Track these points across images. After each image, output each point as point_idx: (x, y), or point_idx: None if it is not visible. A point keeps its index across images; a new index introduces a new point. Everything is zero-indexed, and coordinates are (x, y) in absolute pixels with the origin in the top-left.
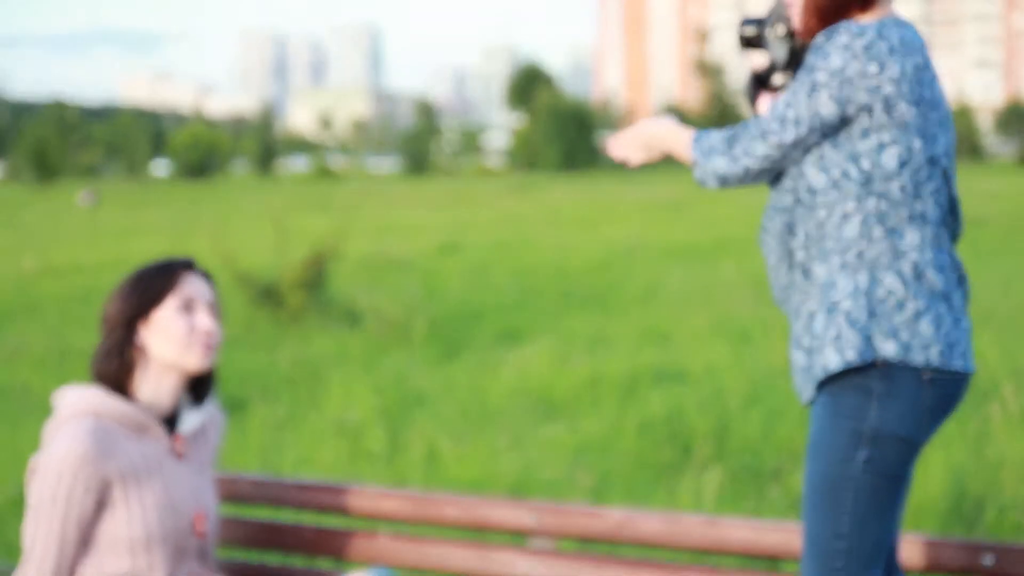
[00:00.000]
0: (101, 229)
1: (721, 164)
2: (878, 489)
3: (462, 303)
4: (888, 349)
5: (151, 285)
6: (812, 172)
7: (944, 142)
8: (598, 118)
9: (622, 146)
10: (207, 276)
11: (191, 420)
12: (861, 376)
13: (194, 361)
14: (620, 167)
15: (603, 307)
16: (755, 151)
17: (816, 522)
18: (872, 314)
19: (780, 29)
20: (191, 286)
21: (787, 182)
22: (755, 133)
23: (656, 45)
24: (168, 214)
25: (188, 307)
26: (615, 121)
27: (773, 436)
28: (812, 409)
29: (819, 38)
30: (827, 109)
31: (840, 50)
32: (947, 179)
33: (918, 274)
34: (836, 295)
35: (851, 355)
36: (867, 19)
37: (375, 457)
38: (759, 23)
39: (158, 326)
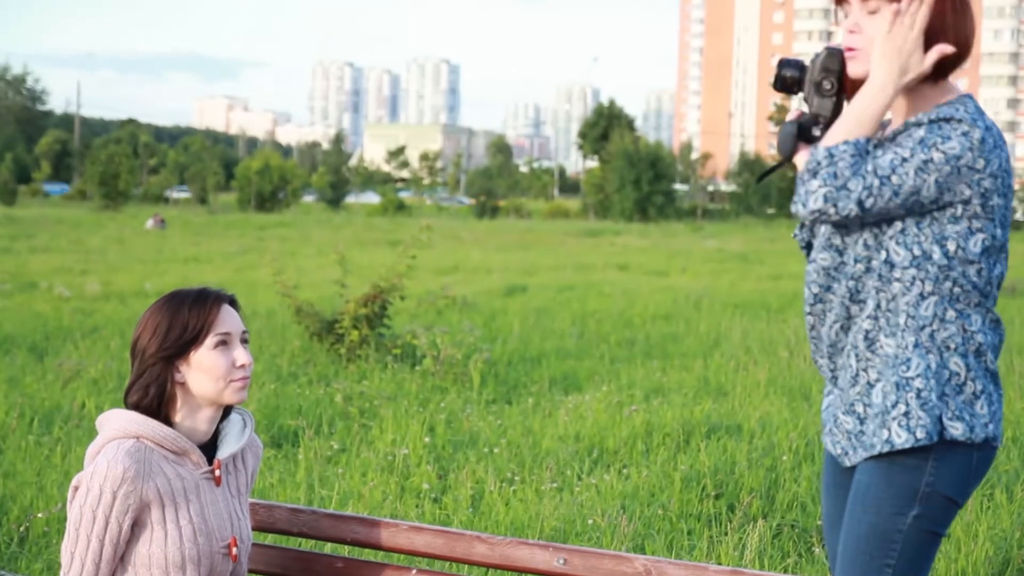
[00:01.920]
0: (166, 255)
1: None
2: (922, 545)
3: (523, 346)
4: (953, 430)
5: (188, 324)
6: (893, 246)
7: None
8: (674, 165)
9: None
10: (235, 302)
11: (229, 446)
12: None
13: (233, 396)
14: (694, 217)
15: (664, 357)
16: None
17: (856, 574)
18: (941, 395)
19: (828, 83)
20: (226, 321)
21: (859, 250)
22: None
23: (736, 94)
24: (235, 243)
25: (225, 343)
26: (692, 168)
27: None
28: (861, 465)
29: (922, 116)
30: (927, 192)
31: (960, 137)
32: (1006, 262)
33: (979, 355)
34: (908, 372)
35: (921, 435)
36: (943, 92)
37: (423, 495)
38: (801, 68)
39: (198, 364)
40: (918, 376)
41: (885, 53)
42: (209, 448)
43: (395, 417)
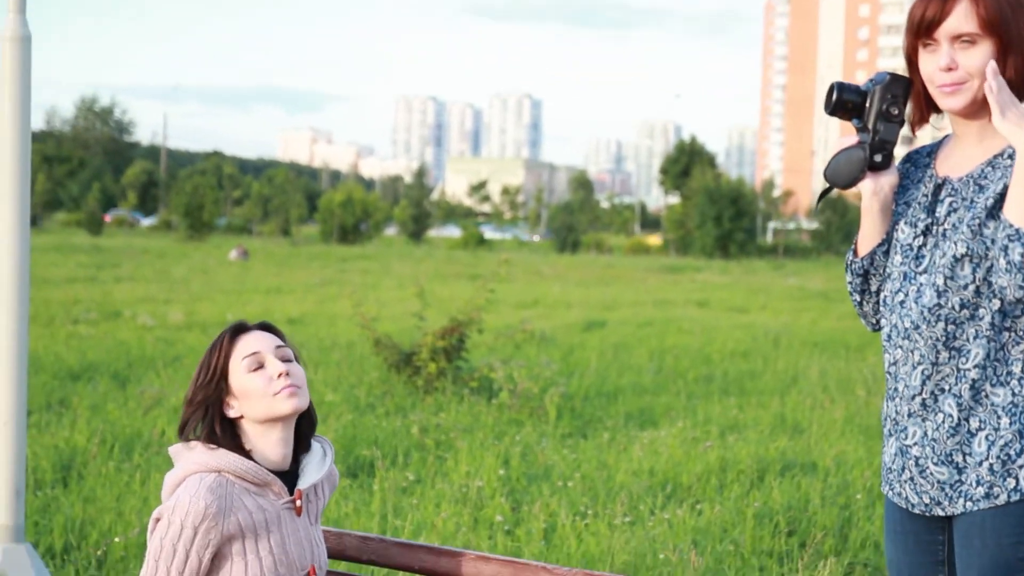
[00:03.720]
0: (249, 286)
1: None
2: None
3: (600, 381)
4: None
5: (211, 362)
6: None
7: None
8: (755, 202)
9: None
10: (267, 327)
11: (310, 476)
12: None
13: (284, 407)
14: (776, 255)
15: (741, 394)
16: None
17: None
18: None
19: (896, 109)
20: (251, 343)
21: (968, 295)
22: None
23: (819, 132)
24: (317, 275)
25: (256, 363)
26: (774, 205)
27: None
28: (963, 515)
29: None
30: None
31: None
32: None
33: None
34: None
35: None
36: None
37: (496, 527)
38: (860, 93)
39: (240, 392)
40: None
41: (1019, 123)
42: (288, 477)
43: (470, 449)
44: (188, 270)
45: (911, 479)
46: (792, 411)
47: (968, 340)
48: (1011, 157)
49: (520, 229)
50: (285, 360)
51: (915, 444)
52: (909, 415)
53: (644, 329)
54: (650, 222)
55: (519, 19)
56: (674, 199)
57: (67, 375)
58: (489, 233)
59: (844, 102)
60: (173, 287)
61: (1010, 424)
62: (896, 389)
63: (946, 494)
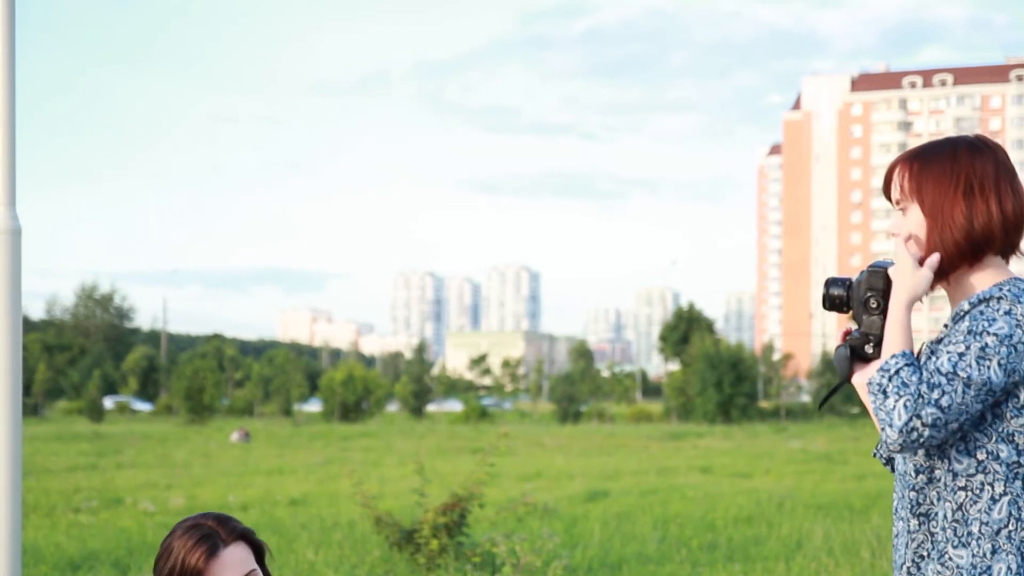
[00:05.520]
0: (250, 468)
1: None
2: None
3: (603, 552)
4: None
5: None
6: (954, 455)
7: None
8: (756, 367)
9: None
10: (245, 537)
11: None
12: None
13: None
14: (778, 418)
15: (746, 560)
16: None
17: None
18: None
19: (875, 302)
20: (221, 569)
21: (920, 460)
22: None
23: (816, 293)
24: (318, 454)
25: None
26: (774, 368)
27: None
28: None
29: (965, 304)
30: (996, 377)
31: (1004, 317)
32: None
33: None
34: None
35: None
36: (990, 277)
37: None
38: (848, 286)
39: None
40: None
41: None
42: None
43: None
44: (189, 454)
45: None
46: (798, 575)
47: (933, 503)
48: (961, 315)
49: (522, 401)
50: None
51: None
52: None
53: (647, 498)
54: (651, 389)
55: (513, 193)
56: (674, 366)
57: (67, 565)
58: (491, 404)
59: (831, 298)
60: (174, 472)
61: None
62: (895, 560)
63: None
